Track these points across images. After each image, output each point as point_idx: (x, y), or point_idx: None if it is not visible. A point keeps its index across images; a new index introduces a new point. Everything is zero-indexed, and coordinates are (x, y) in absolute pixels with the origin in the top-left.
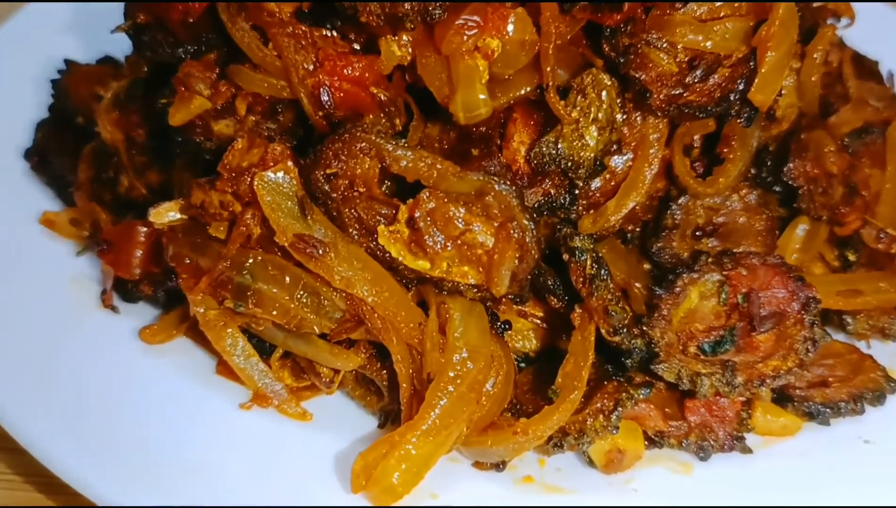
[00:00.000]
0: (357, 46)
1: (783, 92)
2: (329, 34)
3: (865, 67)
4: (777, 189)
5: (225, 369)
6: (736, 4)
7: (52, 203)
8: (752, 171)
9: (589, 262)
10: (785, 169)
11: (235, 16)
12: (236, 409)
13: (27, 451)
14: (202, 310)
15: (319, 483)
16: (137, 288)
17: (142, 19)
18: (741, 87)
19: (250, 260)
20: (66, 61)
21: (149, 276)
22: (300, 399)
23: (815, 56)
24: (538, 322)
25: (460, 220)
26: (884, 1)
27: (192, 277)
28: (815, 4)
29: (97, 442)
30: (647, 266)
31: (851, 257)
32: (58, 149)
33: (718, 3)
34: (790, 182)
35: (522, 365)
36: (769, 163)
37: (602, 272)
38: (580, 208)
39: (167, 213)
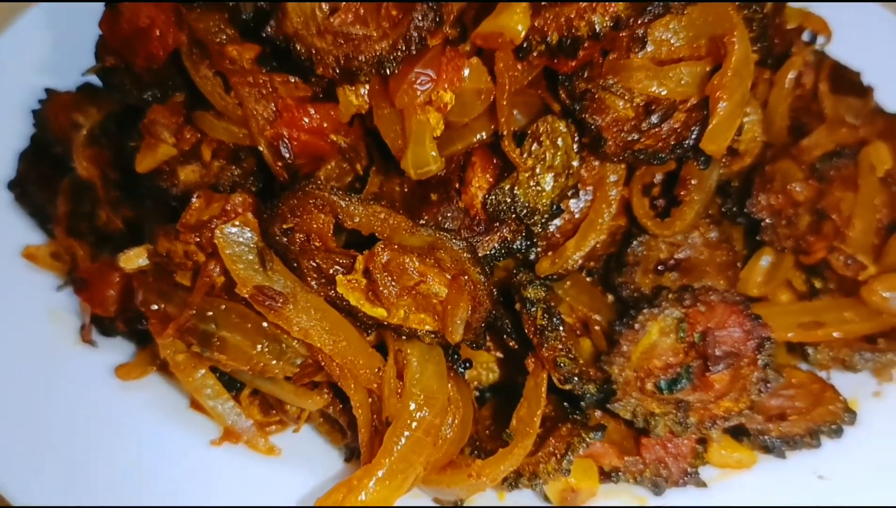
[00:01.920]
0: (318, 90)
1: (745, 127)
2: (291, 79)
3: (845, 80)
4: (741, 221)
5: (198, 405)
6: (695, 45)
7: (36, 233)
8: (711, 211)
9: (539, 313)
10: (748, 202)
11: (198, 63)
12: (207, 446)
13: None
14: (171, 353)
15: None
16: (113, 324)
17: (110, 63)
18: (694, 136)
19: (214, 309)
20: (47, 90)
21: (124, 314)
22: (269, 434)
23: (784, 85)
24: (500, 355)
25: (415, 272)
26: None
27: (161, 323)
28: (789, 26)
29: (66, 478)
30: (611, 298)
31: (818, 284)
32: (37, 180)
33: (677, 44)
34: (754, 215)
35: (487, 395)
36: (733, 196)
37: (553, 322)
38: (539, 250)
39: (136, 259)
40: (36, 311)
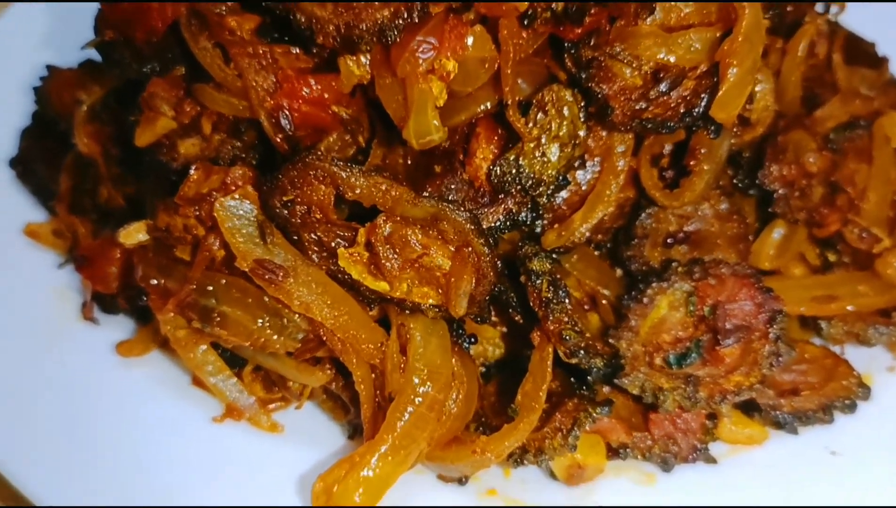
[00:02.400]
0: (319, 61)
1: (757, 96)
2: (292, 50)
3: (860, 51)
4: (753, 193)
5: (200, 382)
6: (705, 11)
7: (39, 211)
8: (722, 182)
9: (545, 286)
10: (760, 173)
11: (198, 34)
12: (209, 422)
13: None
14: (172, 329)
15: (286, 498)
16: (115, 301)
17: (109, 36)
18: (703, 103)
19: (214, 284)
20: (48, 67)
21: (125, 290)
22: (272, 411)
23: (797, 53)
24: (505, 330)
25: (417, 244)
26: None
27: (161, 298)
28: None
29: (67, 454)
30: (620, 272)
31: (832, 258)
32: (41, 158)
33: (687, 10)
34: (765, 186)
35: (493, 371)
36: (744, 167)
37: (559, 295)
38: (545, 222)
39: (136, 234)
40: (40, 289)
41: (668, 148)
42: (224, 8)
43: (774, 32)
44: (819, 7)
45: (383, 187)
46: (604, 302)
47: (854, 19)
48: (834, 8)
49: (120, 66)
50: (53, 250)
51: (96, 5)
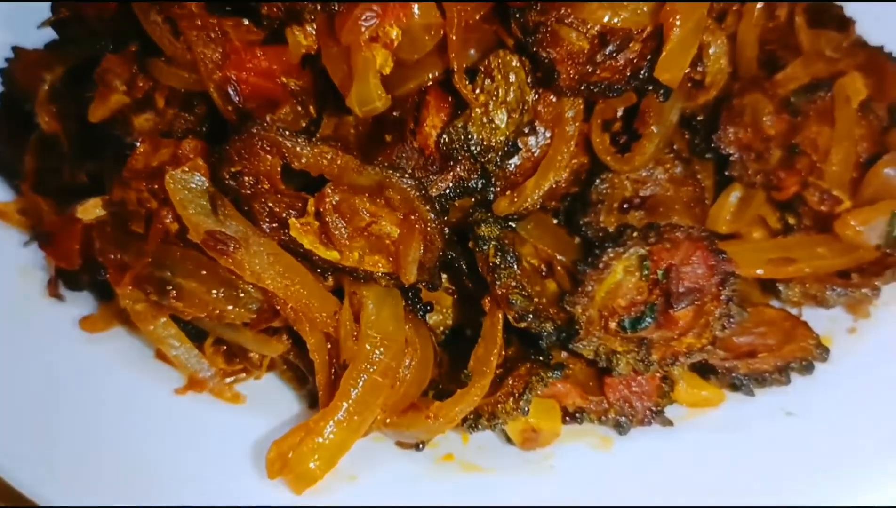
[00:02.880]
0: (269, 34)
1: (711, 58)
2: (244, 21)
3: (828, 13)
4: (709, 156)
5: (163, 355)
6: None
7: (6, 190)
8: (677, 146)
9: (492, 251)
10: (714, 136)
11: (148, 9)
12: (172, 395)
13: None
14: (131, 303)
15: (248, 467)
16: (79, 277)
17: (63, 14)
18: (648, 66)
19: (169, 257)
20: (14, 48)
21: (88, 266)
22: (234, 382)
23: (753, 14)
24: (459, 296)
25: (366, 212)
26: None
27: (119, 272)
28: None
29: (35, 429)
30: (577, 240)
31: (791, 221)
32: (6, 138)
33: None
34: (721, 149)
35: (448, 335)
36: (700, 130)
37: (506, 260)
38: (497, 189)
39: (93, 210)
40: (6, 268)
41: (620, 112)
42: None
43: None
44: None
45: (329, 156)
46: (560, 268)
47: None
48: None
49: (75, 43)
50: (20, 229)
51: None
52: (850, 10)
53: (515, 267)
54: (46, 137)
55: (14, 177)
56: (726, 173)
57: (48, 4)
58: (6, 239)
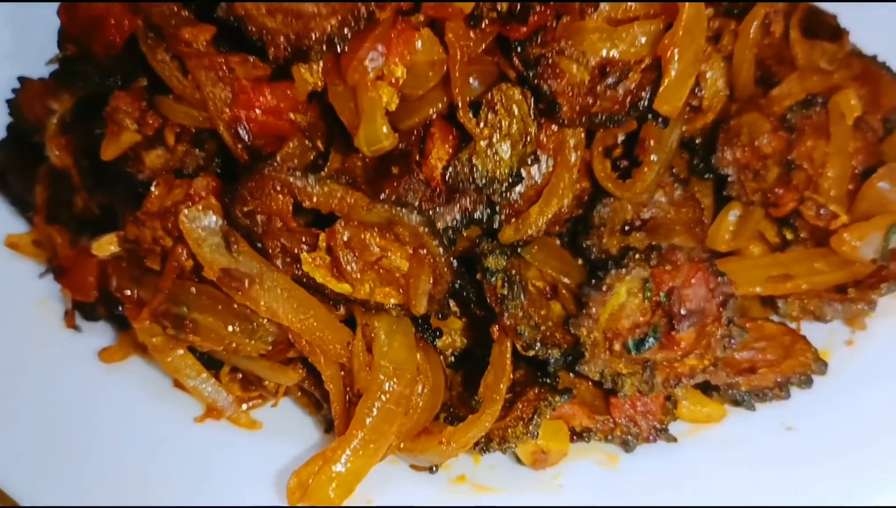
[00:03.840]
0: (276, 68)
1: (707, 82)
2: (249, 58)
3: (821, 23)
4: (708, 176)
5: (181, 384)
6: (649, 4)
7: (19, 222)
8: (676, 169)
9: (500, 283)
10: (713, 158)
11: (155, 47)
12: (191, 423)
13: None
14: (148, 337)
15: (267, 492)
16: (95, 309)
17: (71, 51)
18: (648, 97)
19: (184, 293)
20: (20, 78)
21: (104, 299)
22: (250, 409)
23: (748, 36)
24: (469, 321)
25: (375, 247)
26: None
27: (136, 307)
28: None
29: (56, 460)
30: (581, 261)
31: (789, 236)
32: (16, 169)
33: (631, 5)
34: (719, 170)
35: (459, 360)
36: (699, 152)
37: (514, 291)
38: (502, 218)
39: (108, 246)
40: (24, 299)
41: (621, 137)
42: (179, 20)
43: (728, 14)
44: None
45: (338, 195)
46: (564, 291)
47: None
48: None
49: (83, 80)
50: (35, 260)
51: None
52: (843, 20)
53: (523, 297)
54: (56, 169)
55: (26, 209)
56: (725, 193)
57: (53, 36)
58: (22, 270)
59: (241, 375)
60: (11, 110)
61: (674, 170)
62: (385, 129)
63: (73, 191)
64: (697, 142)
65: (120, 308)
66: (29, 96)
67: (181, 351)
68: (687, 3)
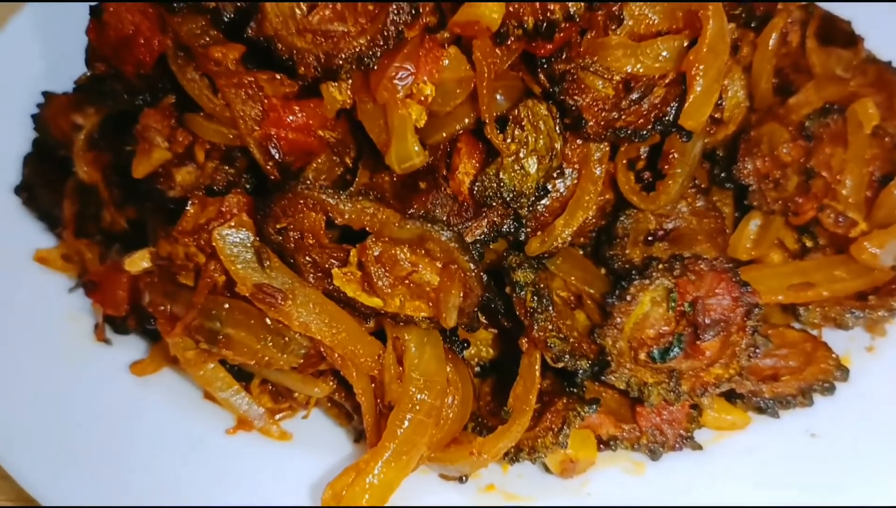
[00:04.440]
0: (304, 84)
1: (728, 95)
2: (277, 76)
3: (836, 30)
4: (729, 186)
5: (211, 395)
6: (672, 18)
7: (47, 236)
8: (697, 179)
9: (529, 296)
10: (734, 168)
11: (185, 66)
12: (223, 434)
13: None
14: (181, 351)
15: (299, 502)
16: (125, 323)
17: (100, 70)
18: (673, 112)
19: (217, 308)
20: (44, 93)
21: (135, 312)
22: (281, 420)
23: (767, 47)
24: (497, 331)
25: (406, 262)
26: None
27: (168, 322)
28: None
29: (91, 473)
30: (604, 270)
31: (809, 243)
32: (43, 184)
33: (654, 18)
34: (740, 181)
35: (486, 369)
36: (720, 162)
37: (543, 303)
38: (528, 230)
39: (140, 262)
40: (54, 313)
41: (644, 151)
42: (208, 39)
43: (746, 25)
44: None
45: (370, 211)
46: (589, 301)
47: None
48: None
49: (112, 98)
50: (64, 274)
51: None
52: (858, 26)
53: (552, 310)
54: (83, 184)
55: (53, 224)
56: (746, 203)
57: (80, 50)
58: (52, 284)
59: (271, 386)
60: (37, 125)
61: (695, 180)
62: (416, 147)
63: (100, 206)
64: (719, 153)
65: (152, 322)
66: (53, 111)
67: (213, 365)
68: (711, 20)
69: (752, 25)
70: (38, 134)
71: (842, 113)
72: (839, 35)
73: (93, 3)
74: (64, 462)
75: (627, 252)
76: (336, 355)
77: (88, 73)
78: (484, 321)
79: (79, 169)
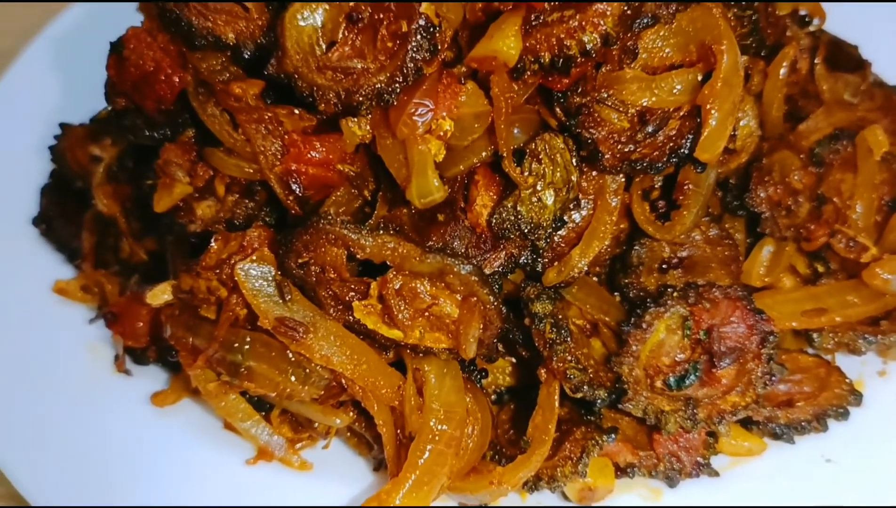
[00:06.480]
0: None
1: (741, 125)
2: (296, 111)
3: (843, 55)
4: (742, 213)
5: (231, 426)
6: (686, 51)
7: (66, 267)
8: (711, 208)
9: (548, 328)
10: (746, 196)
11: (205, 102)
12: (243, 465)
13: None
14: (203, 383)
15: None
16: (145, 354)
17: (120, 105)
18: (688, 144)
19: (239, 341)
20: (61, 125)
21: (155, 344)
22: (301, 450)
23: (778, 77)
24: (515, 360)
25: (426, 295)
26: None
27: (190, 354)
28: (780, 13)
29: (109, 502)
30: (618, 297)
31: (821, 269)
32: (61, 215)
33: (668, 51)
34: (752, 208)
35: (506, 396)
36: (733, 190)
37: (562, 334)
38: (545, 261)
39: (162, 295)
40: (74, 344)
41: (658, 181)
42: (228, 75)
43: (756, 55)
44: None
45: (391, 246)
46: (605, 328)
47: (836, 25)
48: (816, 20)
49: (132, 132)
50: (84, 304)
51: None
52: (864, 51)
53: (570, 340)
54: (101, 215)
55: (73, 254)
56: (758, 230)
57: (96, 82)
58: (72, 315)
59: (291, 416)
60: (54, 156)
61: (708, 208)
62: (436, 182)
63: (118, 237)
64: (731, 181)
65: (174, 354)
66: (71, 143)
67: (234, 396)
68: (726, 55)
69: (763, 54)
70: (55, 165)
71: (851, 139)
72: (847, 60)
73: (112, 40)
74: (85, 495)
75: (642, 280)
76: (357, 387)
77: (108, 108)
78: (502, 350)
79: (98, 201)
